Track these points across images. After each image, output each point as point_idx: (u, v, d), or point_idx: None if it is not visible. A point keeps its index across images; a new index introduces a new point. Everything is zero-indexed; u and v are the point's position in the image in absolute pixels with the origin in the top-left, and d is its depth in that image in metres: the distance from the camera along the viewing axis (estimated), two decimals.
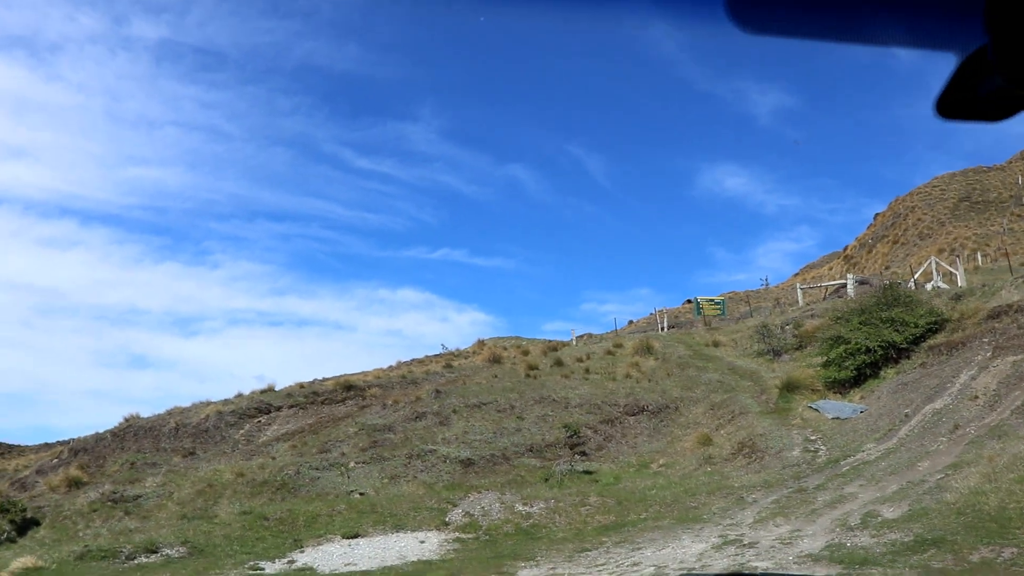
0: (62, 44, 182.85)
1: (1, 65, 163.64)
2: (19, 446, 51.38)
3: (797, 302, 42.54)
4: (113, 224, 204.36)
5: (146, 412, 31.43)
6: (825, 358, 25.09)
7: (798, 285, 49.31)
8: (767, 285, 66.21)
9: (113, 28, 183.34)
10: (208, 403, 31.37)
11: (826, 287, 46.88)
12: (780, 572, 3.15)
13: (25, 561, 17.00)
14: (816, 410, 22.67)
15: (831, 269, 76.50)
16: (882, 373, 23.21)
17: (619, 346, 34.71)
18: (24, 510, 21.31)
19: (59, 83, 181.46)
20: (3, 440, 52.29)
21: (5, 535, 20.37)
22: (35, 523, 21.14)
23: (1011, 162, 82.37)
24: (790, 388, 24.89)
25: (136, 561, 17.24)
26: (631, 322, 65.11)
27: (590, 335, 47.06)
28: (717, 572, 2.47)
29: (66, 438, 40.57)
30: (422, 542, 17.51)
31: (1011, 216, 62.46)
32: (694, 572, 2.51)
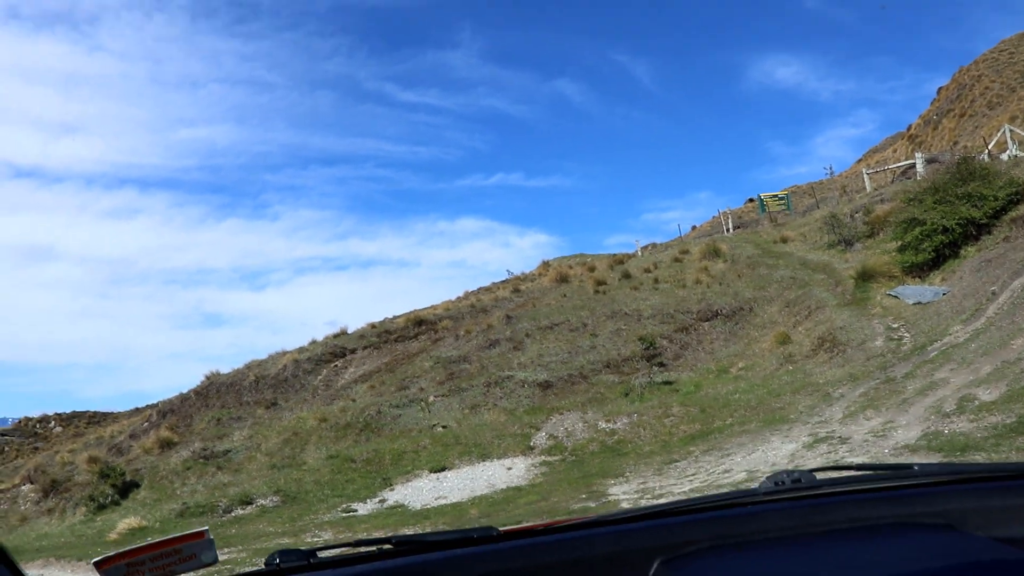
0: (99, 14, 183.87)
1: (45, 43, 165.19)
2: (112, 413, 53.18)
3: (864, 188, 41.29)
4: (171, 188, 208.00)
5: (225, 368, 32.11)
6: (900, 242, 24.28)
7: (864, 170, 47.84)
8: (832, 174, 64.39)
9: None
10: (284, 353, 31.85)
11: (893, 169, 45.44)
12: (878, 463, 3.02)
13: (131, 522, 17.56)
14: (895, 297, 22.05)
15: (896, 151, 74.11)
16: (962, 252, 22.40)
17: (685, 252, 34.20)
18: (123, 474, 21.98)
19: (101, 53, 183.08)
20: (97, 408, 54.19)
21: (109, 498, 21.08)
22: (135, 485, 21.78)
23: None
24: (866, 277, 24.23)
25: (233, 513, 17.65)
26: (694, 227, 64.23)
27: (654, 244, 46.51)
28: (810, 468, 2.36)
29: (154, 401, 41.80)
30: (509, 469, 17.58)
31: None
32: (786, 471, 2.41)
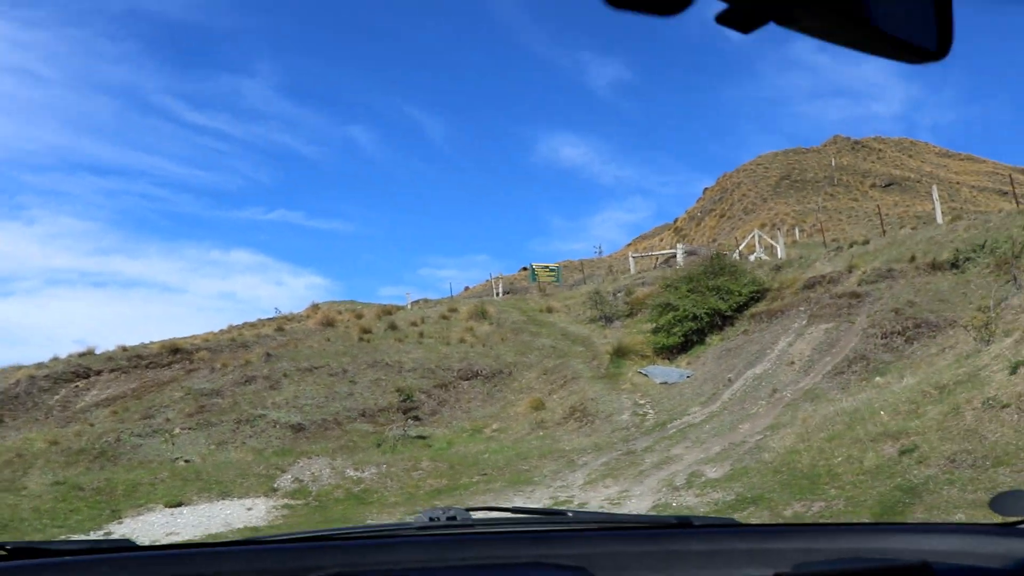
0: None
1: None
2: None
3: (629, 270, 43.62)
4: None
5: None
6: (654, 324, 25.80)
7: (630, 254, 50.60)
8: (600, 253, 67.73)
9: None
10: (19, 367, 29.41)
11: (657, 256, 48.38)
12: (535, 508, 3.17)
13: None
14: (645, 375, 23.33)
15: (662, 240, 78.98)
16: (708, 339, 24.10)
17: (454, 311, 34.68)
18: None
19: None
20: None
21: None
22: None
23: (825, 145, 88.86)
24: (621, 354, 25.51)
25: None
26: (467, 288, 65.38)
27: (426, 300, 46.83)
28: (467, 507, 2.48)
29: None
30: (249, 509, 16.99)
31: (825, 195, 66.35)
32: (443, 508, 2.52)
